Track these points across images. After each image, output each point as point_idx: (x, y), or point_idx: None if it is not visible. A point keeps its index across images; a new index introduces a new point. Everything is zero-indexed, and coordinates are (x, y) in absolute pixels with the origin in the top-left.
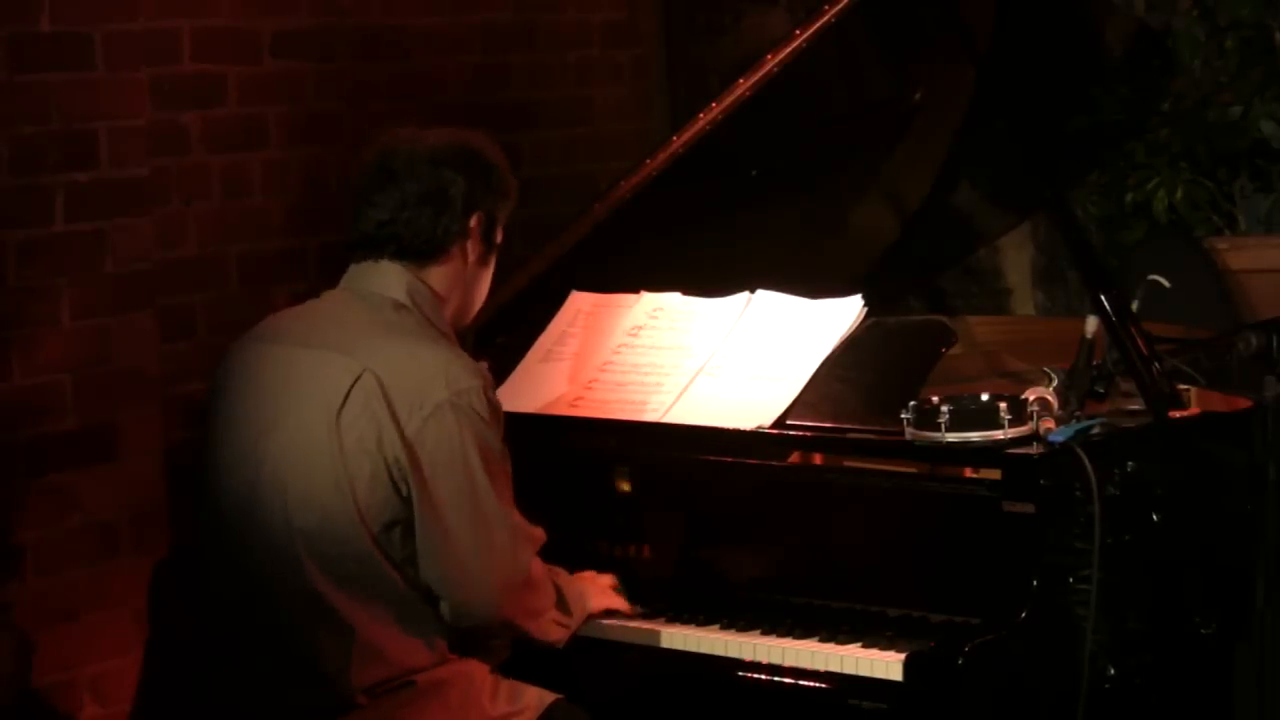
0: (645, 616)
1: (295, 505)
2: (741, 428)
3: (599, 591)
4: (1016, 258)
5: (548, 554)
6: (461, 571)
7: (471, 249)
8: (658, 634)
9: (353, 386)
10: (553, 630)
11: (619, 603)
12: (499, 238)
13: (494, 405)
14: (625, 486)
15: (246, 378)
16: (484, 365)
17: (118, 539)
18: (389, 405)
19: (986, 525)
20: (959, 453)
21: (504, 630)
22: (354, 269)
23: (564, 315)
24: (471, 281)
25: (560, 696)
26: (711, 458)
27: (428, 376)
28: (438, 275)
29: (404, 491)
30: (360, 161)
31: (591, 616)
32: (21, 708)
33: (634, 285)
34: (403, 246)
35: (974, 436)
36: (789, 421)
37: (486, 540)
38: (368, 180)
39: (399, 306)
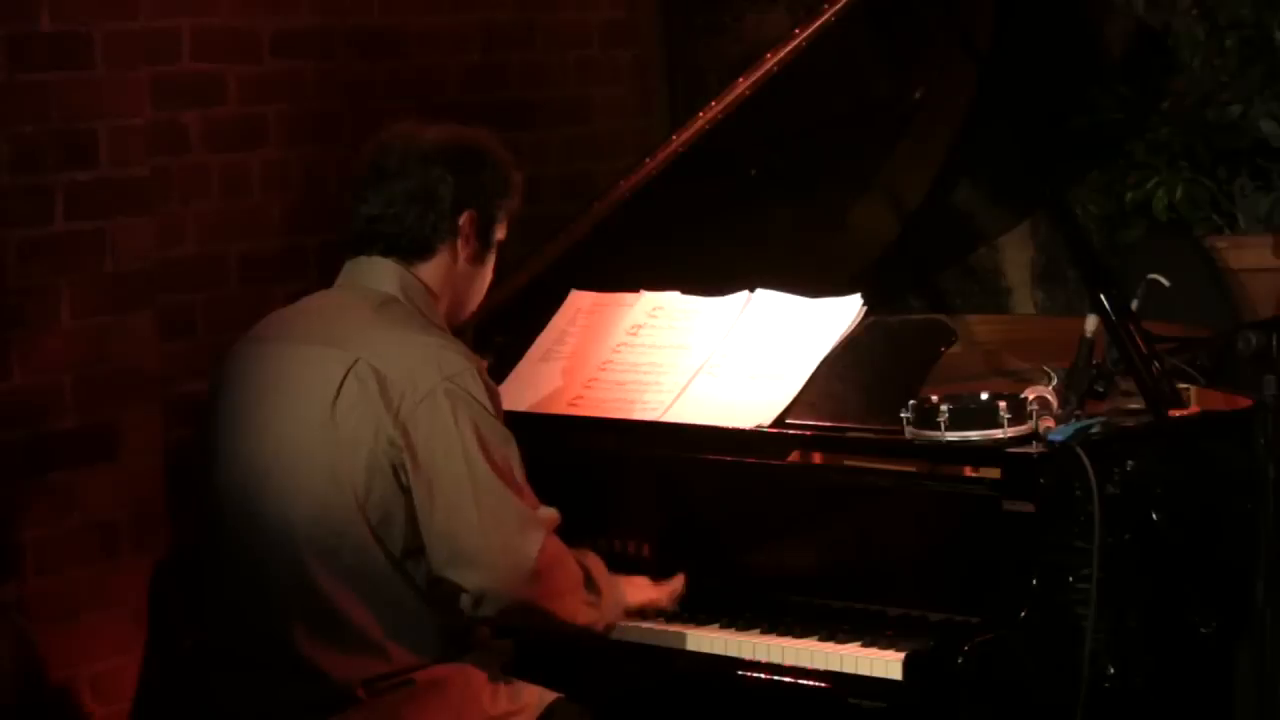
0: (645, 616)
1: (293, 499)
2: (741, 427)
3: (637, 586)
4: (1016, 257)
5: None
6: (470, 554)
7: (462, 247)
8: (657, 633)
9: (346, 376)
10: (582, 611)
11: (659, 595)
12: (499, 235)
13: (490, 388)
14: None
15: (241, 377)
16: (484, 364)
17: (118, 538)
18: (383, 392)
19: (986, 524)
20: (959, 452)
21: (529, 616)
22: (348, 265)
23: (563, 314)
24: (464, 280)
25: (560, 695)
26: (711, 457)
27: (420, 363)
28: (429, 272)
29: (402, 480)
30: (358, 157)
31: (630, 613)
32: (22, 707)
33: (633, 284)
34: (390, 243)
35: (974, 435)
36: (789, 420)
37: (493, 521)
38: (361, 176)
39: (389, 300)
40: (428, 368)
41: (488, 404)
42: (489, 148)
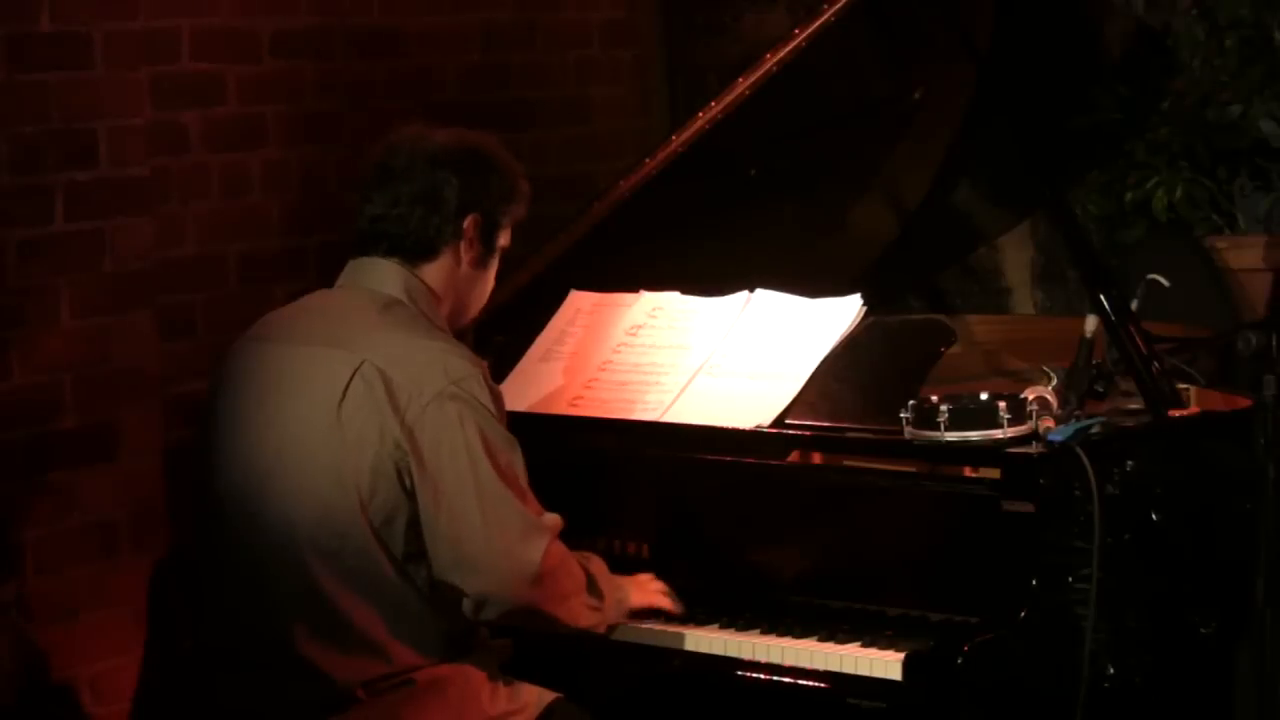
0: (645, 616)
1: (295, 499)
2: (741, 427)
3: (640, 587)
4: (1016, 257)
5: None
6: (474, 558)
7: (465, 251)
8: (656, 633)
9: (352, 378)
10: (584, 615)
11: (664, 602)
12: (503, 241)
13: (494, 392)
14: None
15: (244, 377)
16: (485, 364)
17: (117, 538)
18: (389, 395)
19: (986, 524)
20: (958, 452)
21: (531, 620)
22: (351, 265)
23: (563, 314)
24: (466, 283)
25: (559, 695)
26: (711, 457)
27: (426, 367)
28: (431, 274)
29: (406, 483)
30: (365, 158)
31: (633, 614)
32: (21, 707)
33: (633, 284)
34: (394, 244)
35: (973, 436)
36: (788, 420)
37: (497, 526)
38: (369, 177)
39: (393, 302)
40: (434, 371)
41: (492, 409)
42: (496, 153)
